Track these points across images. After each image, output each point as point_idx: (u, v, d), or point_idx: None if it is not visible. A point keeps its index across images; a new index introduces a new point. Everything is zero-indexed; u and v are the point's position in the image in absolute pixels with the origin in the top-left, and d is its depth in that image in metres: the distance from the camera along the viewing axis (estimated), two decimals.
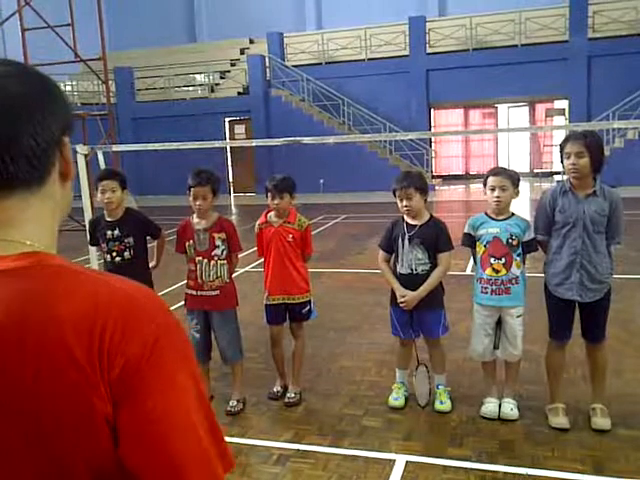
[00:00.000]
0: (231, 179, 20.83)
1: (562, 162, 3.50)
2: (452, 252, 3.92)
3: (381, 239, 4.03)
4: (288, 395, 4.18)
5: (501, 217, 3.76)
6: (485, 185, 3.75)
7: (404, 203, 3.81)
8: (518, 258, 3.72)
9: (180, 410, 0.79)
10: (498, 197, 3.67)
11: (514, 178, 3.72)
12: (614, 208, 3.44)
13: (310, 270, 4.32)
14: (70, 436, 0.76)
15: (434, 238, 3.83)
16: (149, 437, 0.77)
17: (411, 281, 3.84)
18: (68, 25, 11.43)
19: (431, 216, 3.94)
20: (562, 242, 3.52)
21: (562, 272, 3.53)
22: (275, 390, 4.28)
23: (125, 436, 0.77)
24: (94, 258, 5.24)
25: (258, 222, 4.20)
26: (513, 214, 3.80)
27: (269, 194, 4.02)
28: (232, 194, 20.47)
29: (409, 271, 3.86)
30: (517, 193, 3.74)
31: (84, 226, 4.51)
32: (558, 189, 3.56)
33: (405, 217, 3.91)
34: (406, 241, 3.85)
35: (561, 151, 3.48)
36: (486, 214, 3.81)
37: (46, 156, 0.84)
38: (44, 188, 0.86)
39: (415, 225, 3.86)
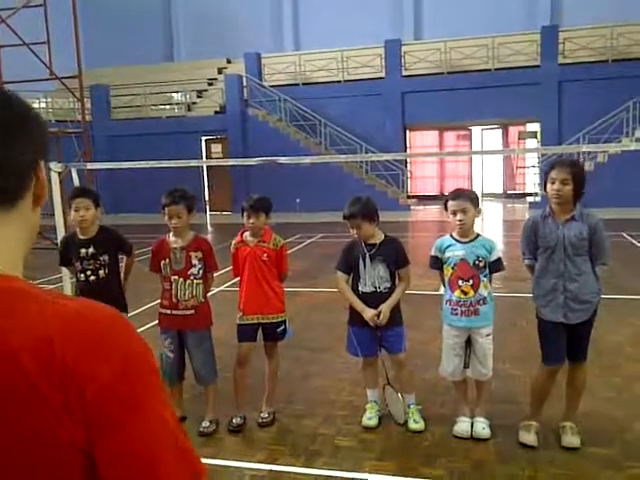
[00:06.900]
0: (207, 198, 20.79)
1: (545, 186, 3.57)
2: (410, 267, 4.03)
3: (339, 261, 4.08)
4: (261, 415, 4.15)
5: (466, 239, 3.83)
6: (446, 209, 3.83)
7: (355, 231, 3.92)
8: (485, 279, 3.80)
9: (159, 428, 0.79)
10: (461, 220, 3.75)
11: (473, 198, 3.81)
12: (594, 231, 3.50)
13: (285, 289, 4.33)
14: (34, 466, 0.75)
15: (393, 255, 3.94)
16: (131, 466, 0.77)
17: (375, 299, 3.90)
18: (44, 43, 11.38)
19: (386, 235, 4.02)
20: (545, 265, 3.59)
21: (547, 294, 3.59)
22: (235, 422, 4.04)
23: (106, 464, 0.76)
24: (67, 277, 5.19)
25: (234, 241, 4.21)
26: (478, 235, 3.88)
27: (245, 213, 4.05)
28: (208, 213, 20.42)
29: (373, 289, 3.92)
30: (479, 212, 3.83)
31: (56, 244, 4.46)
32: (539, 215, 3.64)
33: None
34: (367, 260, 3.92)
35: (546, 176, 3.55)
36: (452, 236, 3.88)
37: (27, 176, 0.86)
38: (19, 209, 0.86)
39: (374, 244, 3.94)
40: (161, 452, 0.79)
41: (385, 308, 3.87)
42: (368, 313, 3.87)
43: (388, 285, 3.93)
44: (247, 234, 4.15)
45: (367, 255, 3.92)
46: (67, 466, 0.76)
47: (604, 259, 3.58)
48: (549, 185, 3.51)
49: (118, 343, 0.79)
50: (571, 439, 3.62)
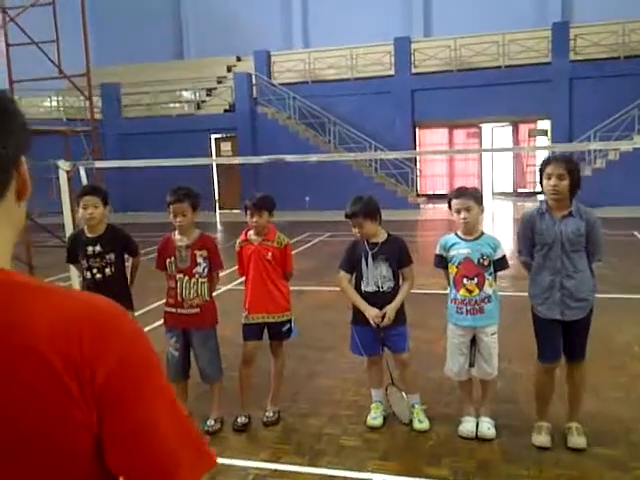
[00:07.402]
0: (217, 196, 20.83)
1: (541, 183, 3.57)
2: (413, 266, 4.01)
3: (342, 260, 4.07)
4: (266, 414, 4.15)
5: (471, 237, 3.82)
6: (450, 207, 3.81)
7: (357, 230, 3.91)
8: (490, 277, 3.78)
9: (163, 413, 0.84)
10: (465, 218, 3.74)
11: (477, 196, 3.81)
12: (591, 227, 3.50)
13: (291, 288, 4.33)
14: (50, 445, 0.78)
15: (396, 254, 3.92)
16: (137, 443, 0.81)
17: (377, 299, 3.89)
18: (53, 41, 11.41)
19: (389, 234, 4.00)
20: (542, 262, 3.57)
21: (544, 292, 3.57)
22: (240, 422, 4.06)
23: (112, 443, 0.80)
24: (75, 275, 5.21)
25: (238, 240, 4.22)
26: (483, 233, 3.86)
27: (248, 212, 4.05)
28: (218, 211, 20.46)
29: (375, 289, 3.91)
30: (482, 210, 3.82)
31: (65, 242, 4.48)
32: (536, 211, 3.63)
33: None
34: (370, 259, 3.90)
35: (541, 172, 3.55)
36: (456, 235, 3.87)
37: (10, 170, 0.87)
38: (4, 204, 0.87)
39: (376, 243, 3.93)
40: (163, 423, 0.84)
41: (390, 311, 3.85)
42: (371, 312, 3.86)
43: (391, 284, 3.92)
44: (251, 233, 4.15)
45: (369, 254, 3.91)
46: (79, 448, 0.79)
47: (599, 255, 3.59)
48: (545, 181, 3.51)
49: (123, 330, 0.84)
50: (577, 440, 3.60)
